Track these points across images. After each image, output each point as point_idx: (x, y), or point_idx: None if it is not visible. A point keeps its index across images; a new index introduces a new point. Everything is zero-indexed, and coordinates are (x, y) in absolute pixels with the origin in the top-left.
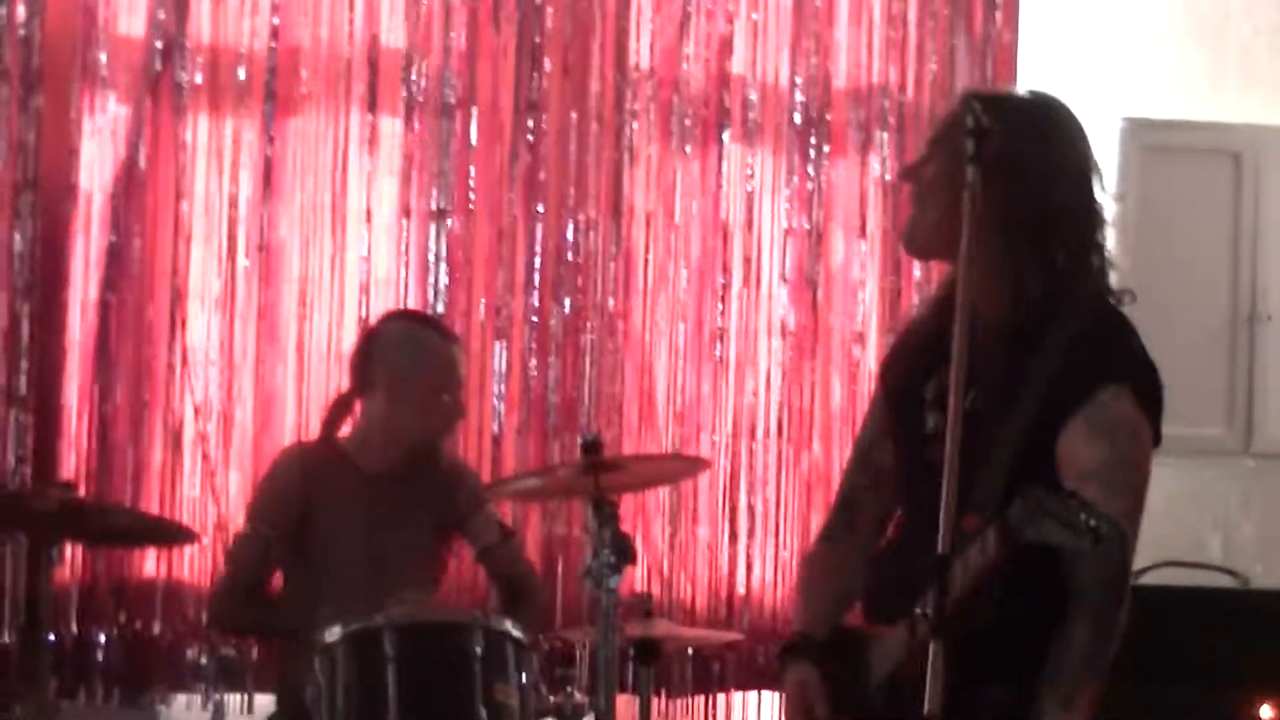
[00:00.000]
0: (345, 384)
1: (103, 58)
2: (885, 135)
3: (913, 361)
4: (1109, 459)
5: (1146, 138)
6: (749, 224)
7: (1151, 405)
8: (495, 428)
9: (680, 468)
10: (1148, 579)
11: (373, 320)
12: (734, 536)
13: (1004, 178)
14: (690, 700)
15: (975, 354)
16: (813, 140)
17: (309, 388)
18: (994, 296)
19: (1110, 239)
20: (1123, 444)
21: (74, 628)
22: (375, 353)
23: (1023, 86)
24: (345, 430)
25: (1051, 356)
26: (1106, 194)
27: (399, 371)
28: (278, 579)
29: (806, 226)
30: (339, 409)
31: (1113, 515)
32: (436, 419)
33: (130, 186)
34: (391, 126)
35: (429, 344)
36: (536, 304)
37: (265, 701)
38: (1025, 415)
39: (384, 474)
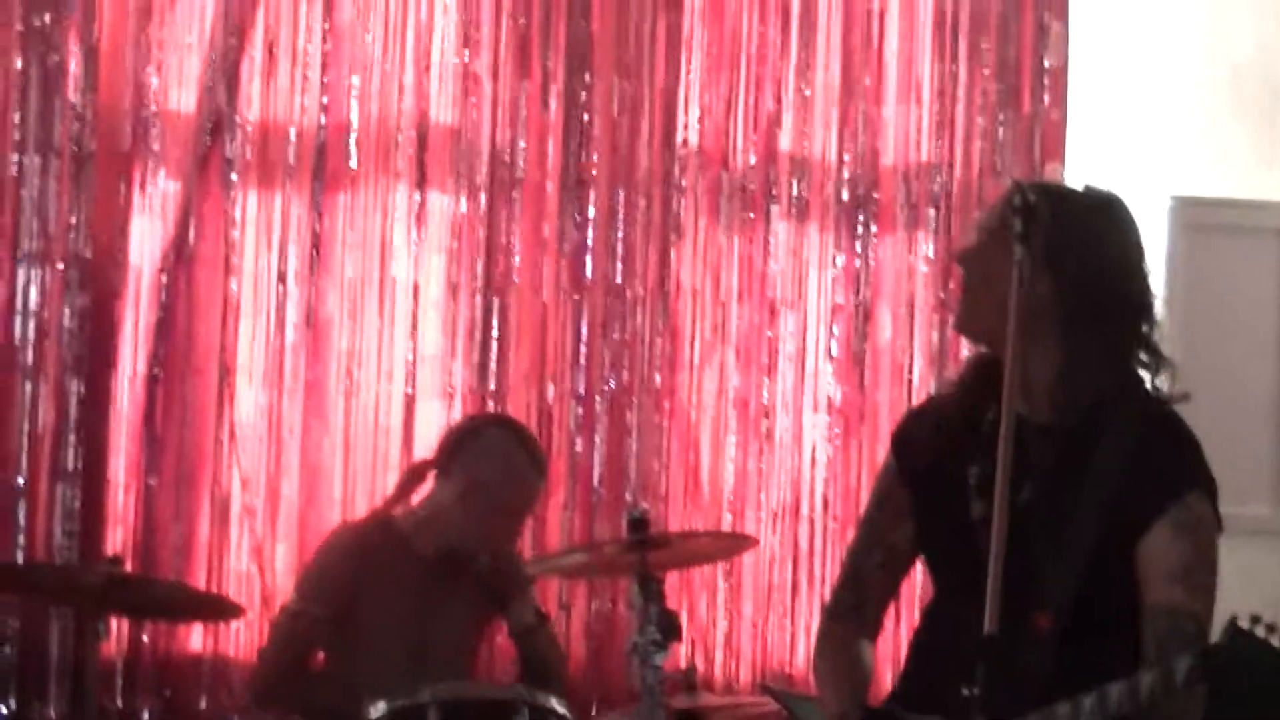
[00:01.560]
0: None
1: (154, 133)
2: (933, 213)
3: (942, 443)
4: (1193, 561)
5: (1194, 216)
6: (796, 301)
7: (1217, 508)
8: (540, 504)
9: (726, 545)
10: None
11: (484, 415)
12: (780, 613)
13: (1056, 268)
14: None
15: (1021, 445)
16: (860, 218)
17: (355, 462)
18: (1043, 390)
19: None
20: (1204, 547)
21: (119, 702)
22: (470, 449)
23: (1071, 165)
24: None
25: (1117, 459)
26: (1154, 284)
27: (484, 480)
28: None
29: (854, 304)
30: (412, 478)
31: (1197, 615)
32: (496, 538)
33: (179, 262)
34: (440, 203)
35: (524, 469)
36: (583, 380)
37: None
38: (1095, 515)
39: (435, 557)
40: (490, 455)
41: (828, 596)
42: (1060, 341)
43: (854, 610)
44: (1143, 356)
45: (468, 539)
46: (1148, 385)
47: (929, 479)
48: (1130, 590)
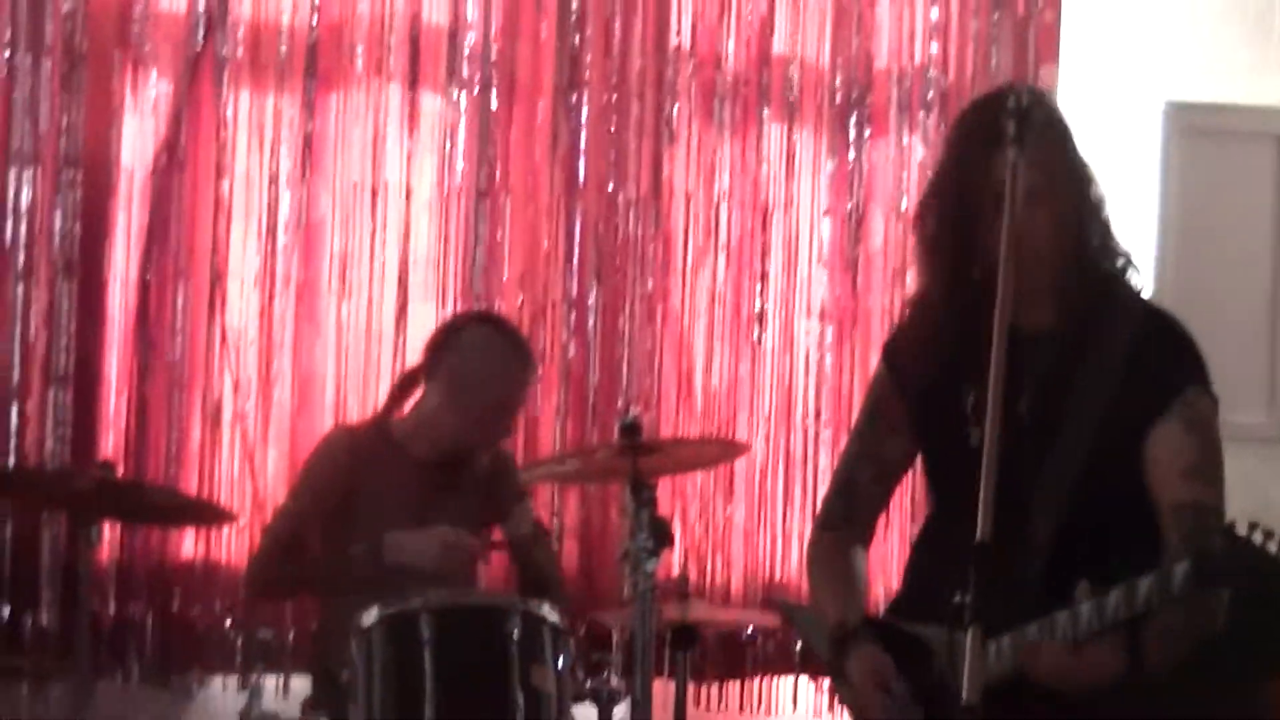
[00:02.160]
0: (416, 364)
1: (145, 34)
2: (926, 116)
3: (934, 361)
4: (1206, 456)
5: (1189, 121)
6: (789, 205)
7: (1216, 402)
8: (532, 409)
9: (719, 451)
10: None
11: (465, 315)
12: (771, 520)
13: (1050, 171)
14: (726, 684)
15: (1016, 354)
16: (853, 121)
17: (347, 366)
18: (1039, 296)
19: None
20: (1214, 441)
21: (112, 607)
22: (452, 348)
23: (1065, 68)
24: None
25: (1113, 360)
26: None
27: (469, 377)
28: None
29: (846, 207)
30: (403, 387)
31: (1219, 510)
32: (487, 434)
33: (171, 164)
34: (432, 103)
35: (507, 361)
36: (575, 284)
37: (301, 683)
38: (1093, 419)
39: (431, 462)
40: (473, 352)
41: (819, 505)
42: (1057, 246)
43: (845, 519)
44: (1123, 259)
45: (460, 438)
46: (1130, 284)
47: (924, 398)
48: (1134, 494)
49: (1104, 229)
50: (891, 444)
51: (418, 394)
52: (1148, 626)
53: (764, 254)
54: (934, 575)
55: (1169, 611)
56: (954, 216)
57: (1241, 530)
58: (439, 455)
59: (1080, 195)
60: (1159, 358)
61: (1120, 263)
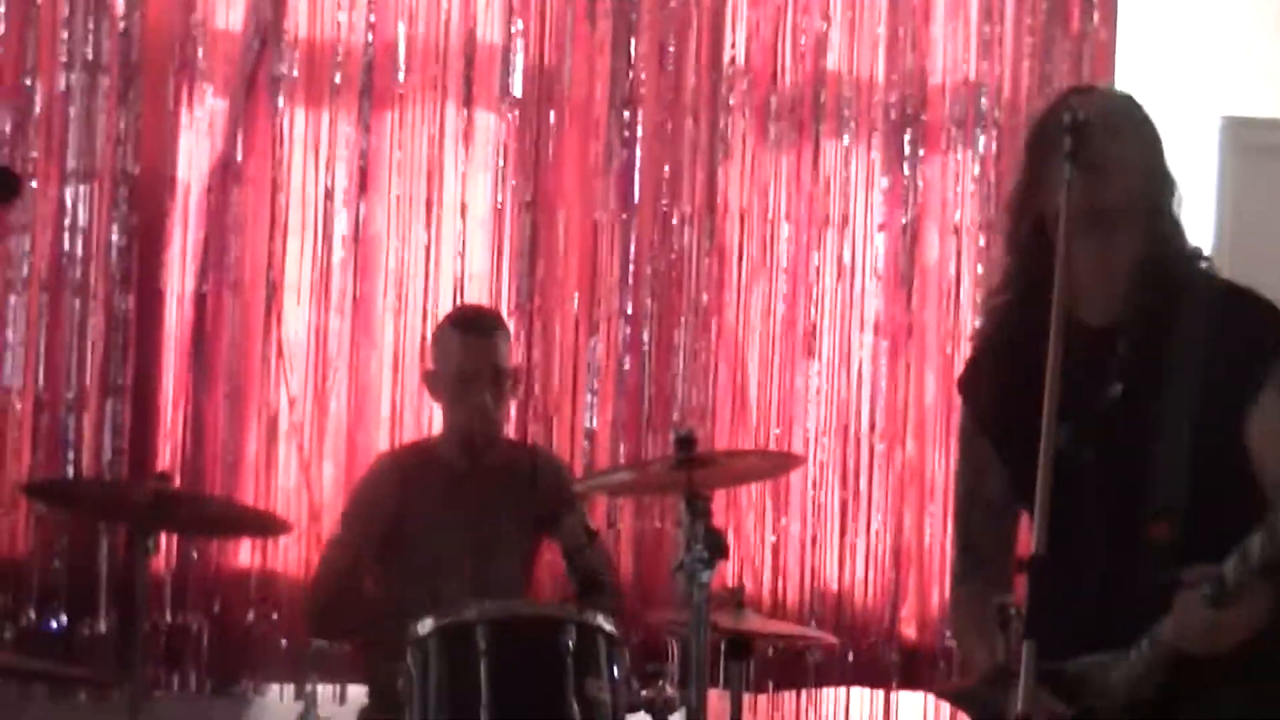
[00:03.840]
0: None
1: (200, 51)
2: (980, 132)
3: (1009, 378)
4: None
5: (1245, 136)
6: (843, 221)
7: None
8: (589, 423)
9: (773, 464)
10: None
11: None
12: (827, 533)
13: (1127, 167)
14: (780, 696)
15: (1092, 352)
16: (908, 137)
17: (403, 380)
18: (1113, 289)
19: (1209, 237)
20: None
21: (169, 616)
22: (430, 352)
23: (1119, 85)
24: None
25: (1201, 337)
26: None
27: (436, 371)
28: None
29: (901, 223)
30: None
31: None
32: (470, 412)
33: (227, 179)
34: (487, 121)
35: (453, 339)
36: (630, 300)
37: (357, 693)
38: (1191, 402)
39: (470, 469)
40: (438, 344)
41: (872, 515)
42: (1135, 235)
43: (978, 569)
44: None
45: (462, 428)
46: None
47: (1006, 420)
48: (1246, 475)
49: (1179, 230)
50: (991, 484)
51: None
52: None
53: (818, 269)
54: (1056, 608)
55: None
56: (1027, 222)
57: None
58: (469, 459)
59: (1158, 200)
60: (1249, 330)
61: (1192, 251)
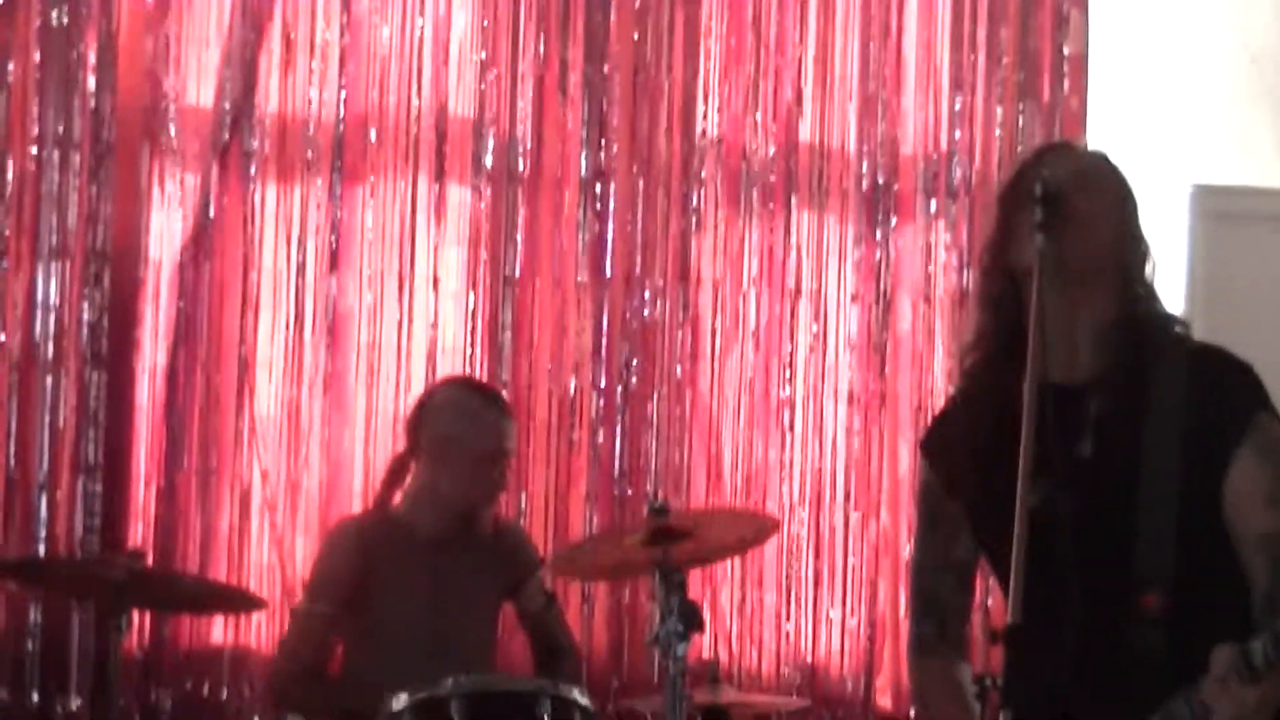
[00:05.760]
0: (402, 445)
1: (171, 128)
2: (952, 202)
3: (978, 439)
4: None
5: (1215, 204)
6: (816, 290)
7: None
8: (561, 497)
9: (749, 528)
10: None
11: (429, 386)
12: (801, 604)
13: (1100, 227)
14: None
15: (1062, 411)
16: (880, 207)
17: (375, 454)
18: (1087, 347)
19: (1179, 305)
20: None
21: (141, 695)
22: (427, 417)
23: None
24: (399, 497)
25: (1176, 398)
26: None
27: (447, 438)
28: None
29: (874, 293)
30: (395, 471)
31: None
32: (481, 489)
33: (199, 255)
34: (459, 195)
35: (479, 412)
36: (604, 373)
37: None
38: (1168, 465)
39: (441, 539)
40: (447, 412)
41: (847, 586)
42: (1108, 295)
43: (940, 637)
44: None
45: (460, 500)
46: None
47: (976, 481)
48: (1224, 537)
49: (1152, 292)
50: (958, 547)
51: (410, 477)
52: None
53: (792, 339)
54: (1031, 672)
55: None
56: (999, 279)
57: None
58: (445, 527)
59: (1131, 260)
60: (1224, 389)
61: (1166, 314)
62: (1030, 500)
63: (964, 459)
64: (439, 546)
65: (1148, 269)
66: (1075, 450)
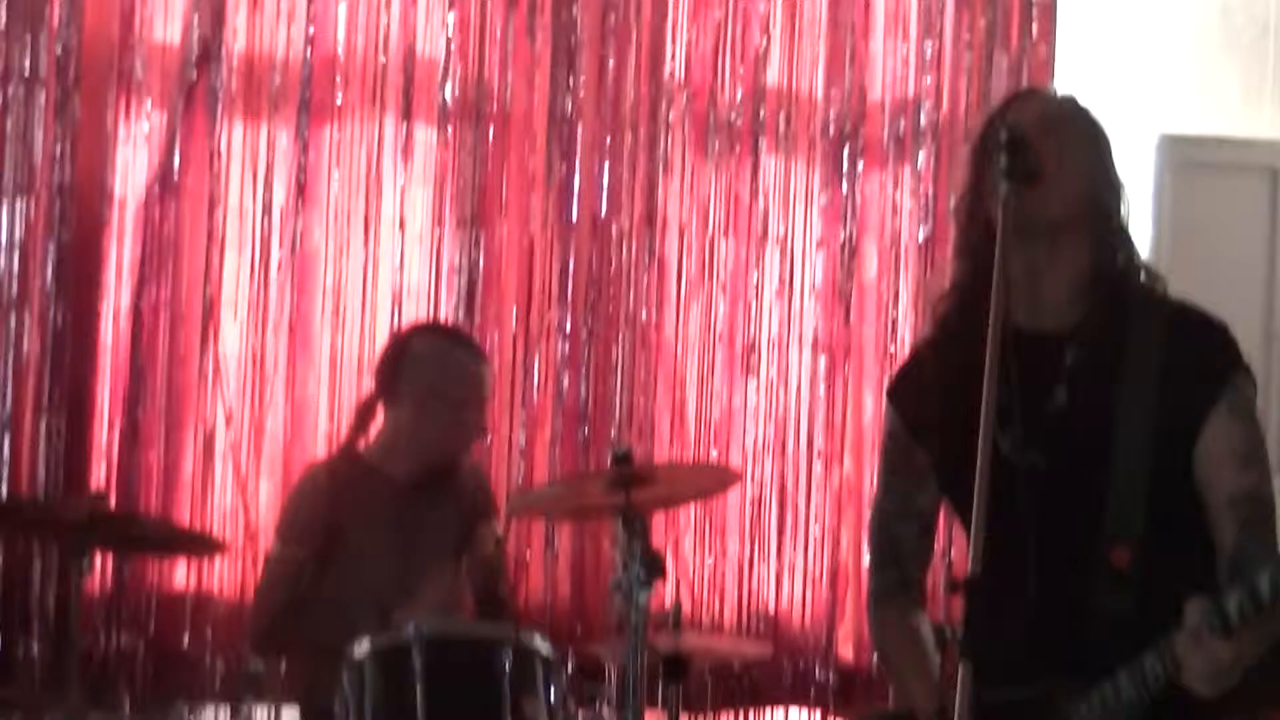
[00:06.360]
0: (370, 389)
1: (138, 64)
2: (919, 148)
3: (947, 385)
4: (1256, 443)
5: (1182, 154)
6: (783, 236)
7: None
8: (524, 440)
9: (711, 479)
10: None
11: (403, 330)
12: (764, 552)
13: (1076, 172)
14: (719, 716)
15: (1037, 359)
16: (847, 152)
17: (340, 397)
18: (1061, 296)
19: (1146, 253)
20: (1259, 428)
21: (103, 638)
22: (404, 364)
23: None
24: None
25: (1151, 356)
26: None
27: (427, 386)
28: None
29: (840, 239)
30: (363, 415)
31: (1270, 496)
32: (460, 436)
33: (164, 194)
34: (426, 135)
35: (459, 361)
36: (569, 315)
37: (291, 714)
38: (1142, 423)
39: (411, 482)
40: (427, 360)
41: (809, 533)
42: (1083, 243)
43: (902, 587)
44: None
45: (439, 446)
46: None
47: (944, 428)
48: (1192, 493)
49: (1126, 239)
50: (922, 495)
51: (379, 419)
52: None
53: (758, 285)
54: (996, 625)
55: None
56: (974, 228)
57: None
58: (420, 472)
59: (1105, 206)
60: (1200, 349)
61: (1142, 265)
62: (1001, 447)
63: (932, 405)
64: (409, 491)
65: (1124, 214)
66: (1048, 400)
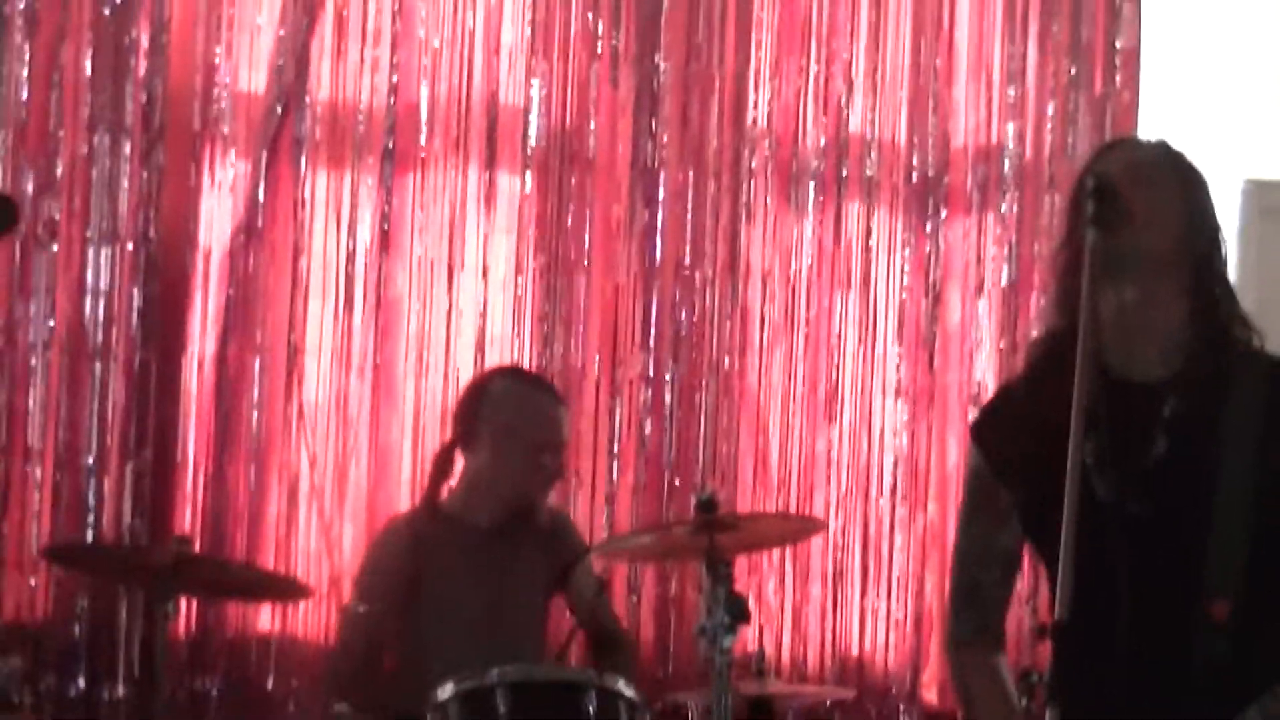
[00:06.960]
0: (449, 436)
1: (223, 114)
2: (1003, 195)
3: (1038, 427)
4: None
5: (1267, 199)
6: (865, 283)
7: None
8: (609, 486)
9: (795, 527)
10: None
11: (481, 374)
12: (848, 596)
13: (1179, 218)
14: None
15: (1136, 407)
16: (930, 200)
17: (423, 442)
18: (1160, 344)
19: None
20: None
21: (187, 681)
22: (482, 408)
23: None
24: (447, 489)
25: (1249, 414)
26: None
27: (506, 428)
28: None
29: (923, 286)
30: (442, 462)
31: None
32: (539, 479)
33: (249, 241)
34: (509, 183)
35: (537, 403)
36: (652, 362)
37: None
38: (1245, 478)
39: (492, 529)
40: (505, 403)
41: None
42: (1179, 289)
43: (982, 630)
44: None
45: (518, 490)
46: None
47: (1031, 470)
48: None
49: (1226, 287)
50: (1005, 536)
51: (459, 467)
52: None
53: (840, 332)
54: (1088, 674)
55: None
56: (1070, 276)
57: None
58: (501, 518)
59: (1200, 252)
60: None
61: (1241, 315)
62: (1097, 491)
63: (1018, 444)
64: (492, 537)
65: (1220, 258)
66: (1148, 448)
